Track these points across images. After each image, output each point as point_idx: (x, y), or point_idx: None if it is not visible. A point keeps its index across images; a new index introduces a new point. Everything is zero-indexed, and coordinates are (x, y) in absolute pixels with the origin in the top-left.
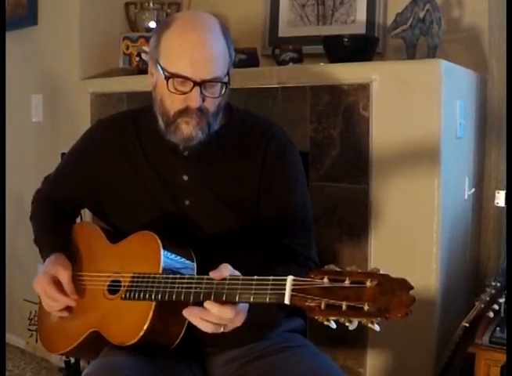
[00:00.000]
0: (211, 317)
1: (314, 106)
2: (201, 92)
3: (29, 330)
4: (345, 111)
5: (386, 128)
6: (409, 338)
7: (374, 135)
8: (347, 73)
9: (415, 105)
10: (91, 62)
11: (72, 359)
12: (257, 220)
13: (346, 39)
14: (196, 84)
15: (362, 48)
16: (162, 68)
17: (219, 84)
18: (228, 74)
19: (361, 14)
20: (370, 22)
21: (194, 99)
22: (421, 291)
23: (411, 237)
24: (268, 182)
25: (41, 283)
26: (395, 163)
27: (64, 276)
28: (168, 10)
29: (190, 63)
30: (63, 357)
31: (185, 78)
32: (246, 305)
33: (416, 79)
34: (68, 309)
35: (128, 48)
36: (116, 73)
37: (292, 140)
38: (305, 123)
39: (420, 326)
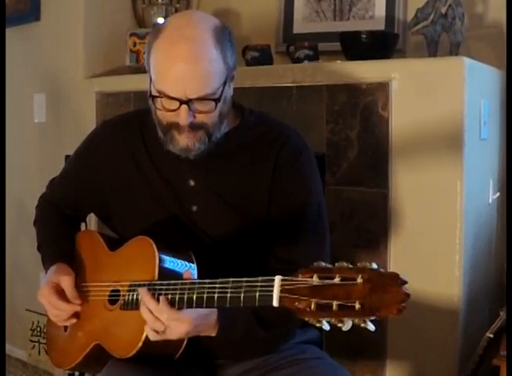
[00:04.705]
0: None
1: (330, 106)
2: (190, 109)
3: (31, 341)
4: (363, 111)
5: (406, 128)
6: (431, 349)
7: (394, 137)
8: (365, 71)
9: (437, 105)
10: (96, 59)
11: (76, 373)
12: (267, 227)
13: (364, 36)
14: (182, 102)
15: (381, 45)
16: (151, 82)
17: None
18: (224, 84)
19: (380, 9)
20: (390, 17)
21: (182, 118)
22: (444, 300)
23: (432, 244)
24: (279, 188)
25: (45, 294)
26: (416, 165)
27: (66, 282)
28: (177, 5)
29: (174, 82)
30: (67, 371)
31: (171, 98)
32: (197, 317)
33: (437, 77)
34: (76, 316)
35: (135, 45)
36: (122, 71)
37: (307, 144)
38: (321, 124)
39: (443, 337)
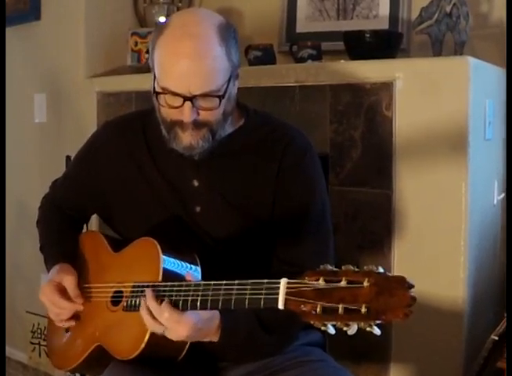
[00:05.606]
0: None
1: (334, 106)
2: (194, 106)
3: (31, 343)
4: (367, 111)
5: (410, 129)
6: (435, 352)
7: (398, 137)
8: (369, 71)
9: (441, 105)
10: (97, 59)
11: (77, 375)
12: (270, 227)
13: (368, 35)
14: (186, 99)
15: (385, 44)
16: (155, 79)
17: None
18: (228, 81)
19: (384, 8)
20: (394, 17)
21: (186, 115)
22: (448, 302)
23: (437, 246)
24: (283, 189)
25: (46, 292)
26: (420, 166)
27: (69, 281)
28: (179, 4)
29: (179, 78)
30: (68, 372)
31: (175, 94)
32: (198, 321)
33: (442, 77)
34: (76, 318)
35: (136, 44)
36: (124, 71)
37: (312, 145)
38: (325, 124)
39: (447, 339)
